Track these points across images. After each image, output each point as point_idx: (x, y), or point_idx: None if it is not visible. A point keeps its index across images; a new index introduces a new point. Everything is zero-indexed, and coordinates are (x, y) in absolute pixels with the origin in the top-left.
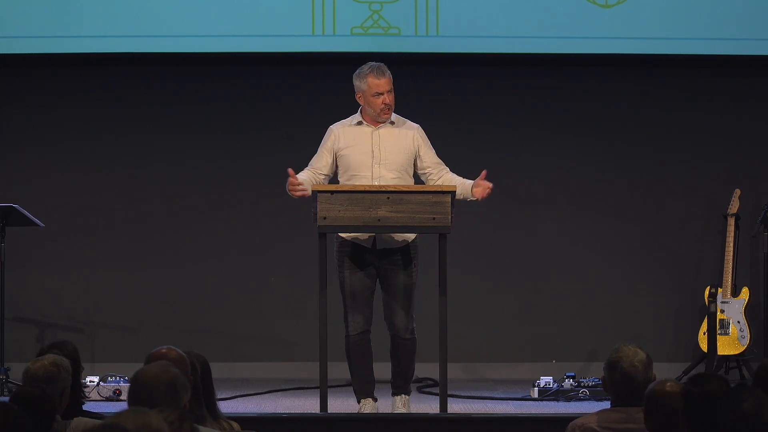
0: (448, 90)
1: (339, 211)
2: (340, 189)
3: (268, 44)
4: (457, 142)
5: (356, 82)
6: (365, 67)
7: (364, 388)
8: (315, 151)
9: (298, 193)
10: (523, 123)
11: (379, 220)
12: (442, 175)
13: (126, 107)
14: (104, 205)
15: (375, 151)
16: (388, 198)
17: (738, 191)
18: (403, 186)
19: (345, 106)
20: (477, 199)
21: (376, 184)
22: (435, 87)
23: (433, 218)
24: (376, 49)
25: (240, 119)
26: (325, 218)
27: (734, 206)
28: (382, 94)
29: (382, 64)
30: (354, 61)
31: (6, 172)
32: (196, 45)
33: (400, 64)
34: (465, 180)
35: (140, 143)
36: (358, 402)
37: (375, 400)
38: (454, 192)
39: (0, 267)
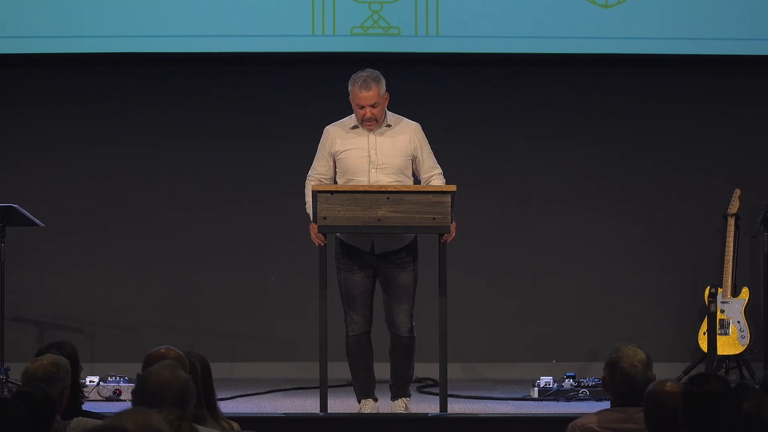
0: (447, 90)
1: (339, 211)
2: (340, 189)
3: (268, 44)
4: (456, 142)
5: (349, 87)
6: (357, 76)
7: (364, 388)
8: (314, 152)
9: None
10: (523, 123)
11: (378, 220)
12: (430, 181)
13: (126, 107)
14: (104, 205)
15: (372, 156)
16: (388, 198)
17: (738, 191)
18: (403, 186)
19: (345, 106)
20: None
21: None
22: (435, 87)
23: (433, 218)
24: (376, 49)
25: (239, 119)
26: (325, 218)
27: (734, 206)
28: (363, 107)
29: (372, 75)
30: (354, 61)
31: (6, 172)
32: (196, 45)
33: (400, 64)
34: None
35: (140, 143)
36: (359, 402)
37: (375, 400)
38: (454, 192)
39: (0, 267)
